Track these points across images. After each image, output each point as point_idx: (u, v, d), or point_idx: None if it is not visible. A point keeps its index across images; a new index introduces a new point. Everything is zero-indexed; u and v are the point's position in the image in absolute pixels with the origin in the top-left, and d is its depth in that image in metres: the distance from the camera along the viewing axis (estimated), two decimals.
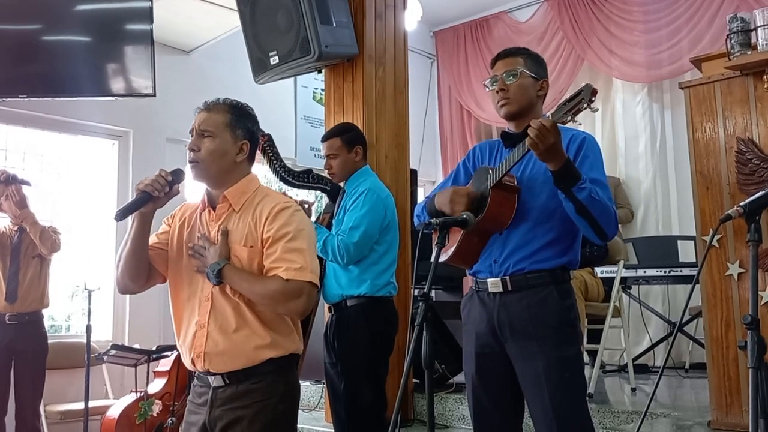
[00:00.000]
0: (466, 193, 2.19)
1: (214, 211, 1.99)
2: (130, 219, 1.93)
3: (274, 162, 3.21)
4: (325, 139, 3.25)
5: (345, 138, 3.18)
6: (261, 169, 3.19)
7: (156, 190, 1.87)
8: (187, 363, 1.98)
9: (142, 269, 1.98)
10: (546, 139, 1.89)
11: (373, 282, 3.03)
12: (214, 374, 1.92)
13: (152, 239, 2.02)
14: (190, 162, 1.94)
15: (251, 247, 1.91)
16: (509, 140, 2.24)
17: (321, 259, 3.20)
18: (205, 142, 1.92)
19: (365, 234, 2.98)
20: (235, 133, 1.96)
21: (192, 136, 1.96)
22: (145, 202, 1.87)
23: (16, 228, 4.12)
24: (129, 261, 1.95)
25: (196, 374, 2.00)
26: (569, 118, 1.90)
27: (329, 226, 3.15)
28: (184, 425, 2.03)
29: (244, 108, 2.03)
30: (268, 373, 1.90)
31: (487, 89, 2.26)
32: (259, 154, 2.46)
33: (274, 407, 1.90)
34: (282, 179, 3.19)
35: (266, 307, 1.88)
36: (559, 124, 1.91)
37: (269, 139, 3.21)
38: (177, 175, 1.92)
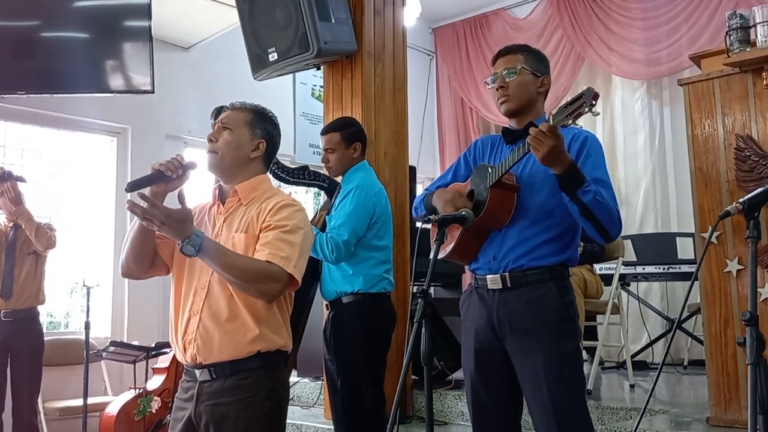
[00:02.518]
0: (468, 194, 2.19)
1: (223, 205, 2.04)
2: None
3: None
4: (324, 132, 3.22)
5: (344, 134, 3.16)
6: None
7: (169, 170, 1.90)
8: (178, 353, 1.99)
9: (146, 253, 2.00)
10: (544, 143, 1.89)
11: (365, 278, 3.01)
12: (201, 367, 1.92)
13: None
14: (208, 152, 2.02)
15: (249, 233, 1.93)
16: (510, 136, 2.25)
17: (318, 260, 3.19)
18: (224, 134, 2.02)
19: (353, 231, 2.97)
20: (254, 131, 2.04)
21: (213, 129, 2.05)
22: (157, 180, 1.90)
23: (11, 225, 4.11)
24: (134, 242, 1.97)
25: (184, 370, 2.00)
26: (570, 121, 1.88)
27: (325, 224, 3.12)
28: (171, 422, 2.02)
29: (266, 112, 2.11)
30: (256, 369, 1.90)
31: (488, 86, 2.27)
32: None
33: (260, 404, 1.89)
34: (276, 176, 3.12)
35: (239, 284, 1.86)
36: (560, 126, 1.90)
37: None
38: (191, 162, 1.97)
